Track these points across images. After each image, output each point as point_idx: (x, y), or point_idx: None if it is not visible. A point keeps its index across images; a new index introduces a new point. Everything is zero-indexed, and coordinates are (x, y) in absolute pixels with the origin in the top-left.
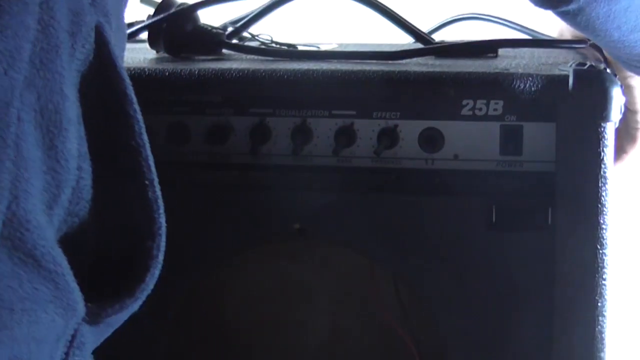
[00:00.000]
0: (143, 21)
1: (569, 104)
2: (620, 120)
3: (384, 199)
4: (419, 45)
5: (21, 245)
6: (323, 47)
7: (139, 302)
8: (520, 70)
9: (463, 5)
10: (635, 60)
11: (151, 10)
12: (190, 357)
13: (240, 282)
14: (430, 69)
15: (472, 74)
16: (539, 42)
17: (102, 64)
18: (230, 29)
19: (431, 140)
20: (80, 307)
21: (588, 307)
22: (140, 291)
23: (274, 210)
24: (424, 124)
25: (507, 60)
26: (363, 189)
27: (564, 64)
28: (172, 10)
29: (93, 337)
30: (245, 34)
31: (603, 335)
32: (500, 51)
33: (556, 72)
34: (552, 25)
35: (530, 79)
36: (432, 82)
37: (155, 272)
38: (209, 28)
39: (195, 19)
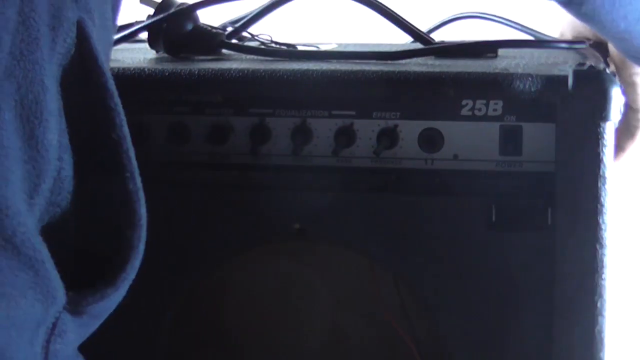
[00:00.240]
0: (143, 21)
1: (568, 104)
2: (621, 119)
3: (384, 199)
4: (419, 45)
5: (0, 231)
6: (322, 47)
7: (121, 292)
8: (519, 71)
9: (463, 4)
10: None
11: (151, 11)
12: (190, 357)
13: (240, 282)
14: (430, 69)
15: (471, 74)
16: (538, 42)
17: (83, 58)
18: (229, 29)
19: (431, 140)
20: (61, 294)
21: (588, 307)
22: (121, 280)
23: (274, 210)
24: (424, 124)
25: (506, 61)
26: (363, 189)
27: (564, 64)
28: (172, 10)
29: (76, 327)
30: (244, 34)
31: (602, 335)
32: (500, 51)
33: (556, 72)
34: (553, 24)
35: (530, 79)
36: (432, 82)
37: (136, 262)
38: (209, 28)
39: (195, 19)
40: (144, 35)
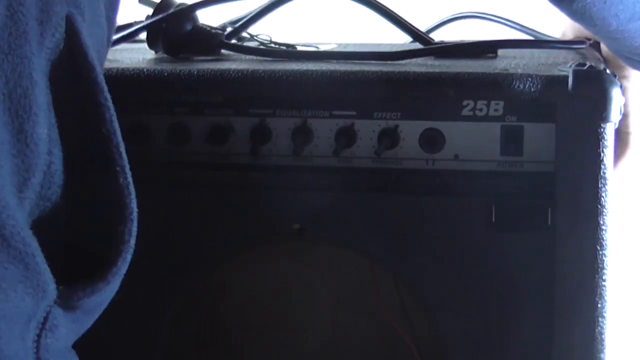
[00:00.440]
0: (142, 21)
1: (568, 104)
2: None
3: (385, 199)
4: (419, 46)
5: None
6: (322, 47)
7: (113, 287)
8: (519, 71)
9: (462, 4)
10: (636, 54)
11: (150, 11)
12: (190, 357)
13: (240, 282)
14: (430, 70)
15: (472, 75)
16: (538, 42)
17: (72, 53)
18: (229, 29)
19: (432, 140)
20: (51, 288)
21: (588, 307)
22: (112, 275)
23: (274, 210)
24: (425, 124)
25: (506, 61)
26: (363, 190)
27: (564, 64)
28: (171, 10)
29: (68, 323)
30: (244, 34)
31: (603, 336)
32: (500, 51)
33: (556, 72)
34: (554, 24)
35: (530, 79)
36: (432, 82)
37: (127, 256)
38: (208, 28)
39: (195, 19)
40: (142, 35)
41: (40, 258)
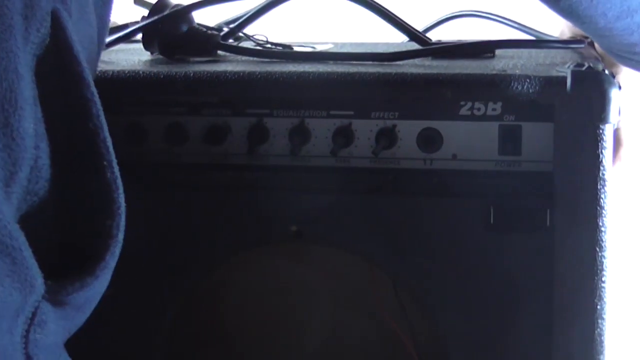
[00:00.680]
0: (137, 22)
1: (566, 105)
2: None
3: (383, 199)
4: (416, 46)
5: None
6: (318, 48)
7: (102, 282)
8: (517, 72)
9: (457, 3)
10: (626, 52)
11: (145, 12)
12: (189, 357)
13: (239, 282)
14: (428, 70)
15: (469, 76)
16: (536, 42)
17: (58, 48)
18: (225, 30)
19: (429, 140)
20: (39, 283)
21: (587, 309)
22: (100, 269)
23: (272, 210)
24: (423, 124)
25: (504, 61)
26: (361, 190)
27: (562, 64)
28: (167, 11)
29: (58, 319)
30: (240, 34)
31: (602, 338)
32: (498, 50)
33: (554, 73)
34: (552, 23)
35: (528, 80)
36: (430, 83)
37: (116, 250)
38: (204, 29)
39: (190, 20)
40: (137, 36)
41: (27, 252)
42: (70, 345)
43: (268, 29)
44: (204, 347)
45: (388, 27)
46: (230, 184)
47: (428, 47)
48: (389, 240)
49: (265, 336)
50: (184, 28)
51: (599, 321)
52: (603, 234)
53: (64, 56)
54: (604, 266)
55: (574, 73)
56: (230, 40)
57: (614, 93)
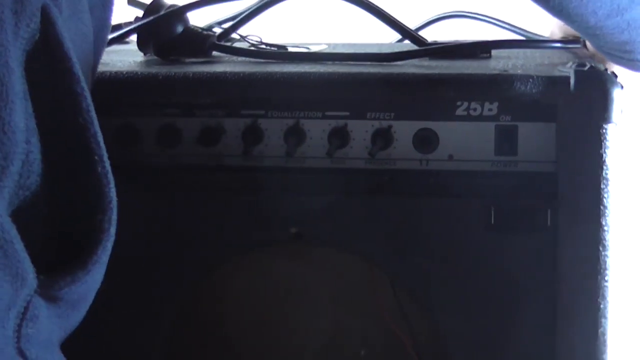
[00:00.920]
0: (131, 22)
1: (570, 105)
2: None
3: (379, 200)
4: (410, 46)
5: None
6: (313, 48)
7: (95, 277)
8: (519, 72)
9: (445, 4)
10: (617, 50)
11: (139, 12)
12: (188, 359)
13: (237, 284)
14: (425, 71)
15: (471, 76)
16: (533, 42)
17: (48, 43)
18: (218, 30)
19: (426, 140)
20: (31, 277)
21: (591, 308)
22: (92, 263)
23: (268, 212)
24: (418, 124)
25: (502, 61)
26: (357, 191)
27: (562, 64)
28: (163, 12)
29: (53, 316)
30: (234, 35)
31: (605, 337)
32: (493, 51)
33: (556, 73)
34: (542, 23)
35: (531, 80)
36: (427, 83)
37: (108, 245)
38: (200, 30)
39: (185, 21)
40: (130, 36)
41: (19, 246)
42: (70, 346)
43: (259, 30)
44: (203, 348)
45: (376, 28)
46: (225, 185)
47: (426, 47)
48: (386, 241)
49: (264, 338)
50: (180, 29)
51: (602, 320)
52: (606, 233)
53: (54, 51)
54: (607, 265)
55: (577, 73)
56: (224, 41)
57: (616, 93)
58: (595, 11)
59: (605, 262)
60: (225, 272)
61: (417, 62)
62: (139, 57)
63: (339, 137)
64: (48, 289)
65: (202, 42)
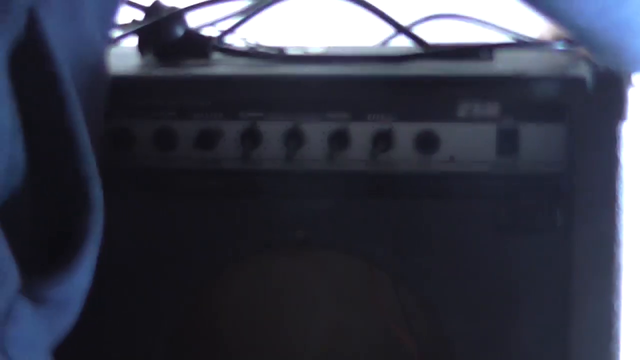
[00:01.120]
0: (129, 24)
1: (586, 105)
2: None
3: (380, 202)
4: (413, 48)
5: None
6: (311, 50)
7: (81, 277)
8: (534, 73)
9: (434, 4)
10: (607, 51)
11: (135, 13)
12: None
13: (238, 286)
14: (425, 72)
15: (474, 77)
16: (535, 44)
17: (34, 45)
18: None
19: (427, 142)
20: (13, 276)
21: (605, 308)
22: (77, 264)
23: (267, 217)
24: (420, 126)
25: (507, 63)
26: (358, 194)
27: (572, 66)
28: (165, 14)
29: (38, 317)
30: (232, 36)
31: (618, 336)
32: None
33: (570, 74)
34: (532, 26)
35: (547, 81)
36: (430, 84)
37: (93, 246)
38: (200, 32)
39: (185, 23)
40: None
41: (2, 245)
42: (70, 350)
43: (252, 33)
44: (204, 352)
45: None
46: (223, 190)
47: (430, 50)
48: (388, 243)
49: (265, 340)
50: (181, 31)
51: (616, 319)
52: (620, 232)
53: (39, 53)
54: (621, 265)
55: (595, 73)
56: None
57: (630, 92)
58: (583, 12)
59: (620, 261)
60: (225, 275)
61: (417, 63)
62: (136, 59)
63: (340, 139)
64: (32, 289)
65: (205, 44)
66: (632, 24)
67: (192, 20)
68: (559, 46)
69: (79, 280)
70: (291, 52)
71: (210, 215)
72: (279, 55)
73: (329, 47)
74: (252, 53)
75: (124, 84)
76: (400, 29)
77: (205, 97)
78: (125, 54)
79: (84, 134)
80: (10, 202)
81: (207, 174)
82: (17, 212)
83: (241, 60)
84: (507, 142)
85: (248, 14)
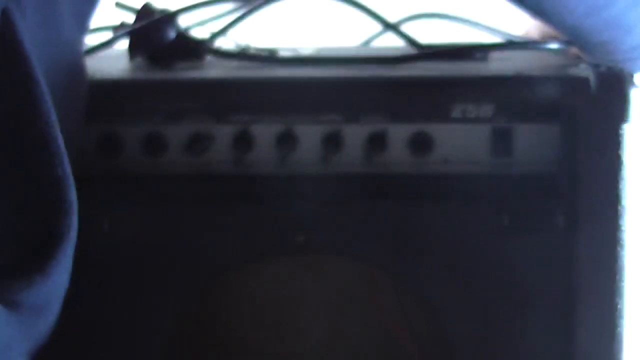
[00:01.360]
0: (120, 27)
1: (590, 105)
2: None
3: (375, 205)
4: (407, 50)
5: None
6: (303, 51)
7: (56, 281)
8: (536, 73)
9: (421, 3)
10: (598, 50)
11: (126, 15)
12: None
13: (236, 290)
14: (419, 73)
15: (470, 78)
16: (529, 44)
17: (7, 46)
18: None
19: (421, 144)
20: None
21: (609, 309)
22: (51, 267)
23: (261, 222)
24: (414, 127)
25: (503, 63)
26: (353, 196)
27: (572, 66)
28: (156, 17)
29: (11, 321)
30: (223, 39)
31: (622, 336)
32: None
33: (573, 73)
34: (519, 25)
35: (549, 81)
36: (423, 85)
37: (68, 249)
38: (191, 34)
39: (177, 26)
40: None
41: None
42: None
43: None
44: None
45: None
46: (216, 195)
47: (423, 51)
48: (384, 245)
49: (263, 341)
50: (173, 34)
51: (619, 320)
52: (623, 233)
53: (13, 54)
54: (624, 265)
55: (598, 73)
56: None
57: (633, 92)
58: (572, 10)
59: (623, 262)
60: (222, 281)
61: (410, 64)
62: (126, 62)
63: (333, 142)
64: (4, 293)
65: (198, 47)
66: (623, 21)
67: (183, 21)
68: (552, 46)
69: (54, 284)
70: (283, 54)
71: (204, 222)
72: (271, 57)
73: (321, 48)
74: (244, 55)
75: (114, 88)
76: (388, 26)
77: (196, 101)
78: (115, 56)
79: (58, 136)
80: None
81: (199, 179)
82: None
83: (232, 63)
84: (502, 142)
85: (239, 15)
